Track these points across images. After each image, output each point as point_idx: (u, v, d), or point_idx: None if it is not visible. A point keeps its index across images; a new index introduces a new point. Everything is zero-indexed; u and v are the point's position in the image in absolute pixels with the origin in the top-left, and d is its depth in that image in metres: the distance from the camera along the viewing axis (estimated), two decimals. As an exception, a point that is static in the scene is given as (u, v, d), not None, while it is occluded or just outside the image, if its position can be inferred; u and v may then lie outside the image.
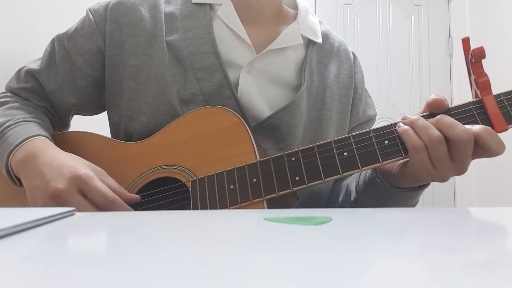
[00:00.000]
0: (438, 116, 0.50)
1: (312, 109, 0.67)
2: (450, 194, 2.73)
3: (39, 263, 0.21)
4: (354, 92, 0.72)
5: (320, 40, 0.72)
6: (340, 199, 0.68)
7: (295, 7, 0.76)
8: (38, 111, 0.67)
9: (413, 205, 0.63)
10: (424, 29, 2.81)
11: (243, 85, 0.64)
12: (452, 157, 0.49)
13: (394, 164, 0.55)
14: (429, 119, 0.51)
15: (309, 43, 0.71)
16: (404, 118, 0.53)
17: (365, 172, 0.60)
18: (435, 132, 0.49)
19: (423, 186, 0.58)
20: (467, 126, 0.49)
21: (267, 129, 0.64)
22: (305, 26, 0.71)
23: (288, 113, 0.64)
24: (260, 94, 0.65)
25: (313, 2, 2.70)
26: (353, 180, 0.66)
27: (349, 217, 0.38)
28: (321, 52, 0.71)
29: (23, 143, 0.57)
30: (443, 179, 0.51)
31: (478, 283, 0.18)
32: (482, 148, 0.48)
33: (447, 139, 0.49)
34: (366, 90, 0.76)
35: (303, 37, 0.70)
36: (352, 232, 0.30)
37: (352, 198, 0.65)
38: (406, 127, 0.51)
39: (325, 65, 0.71)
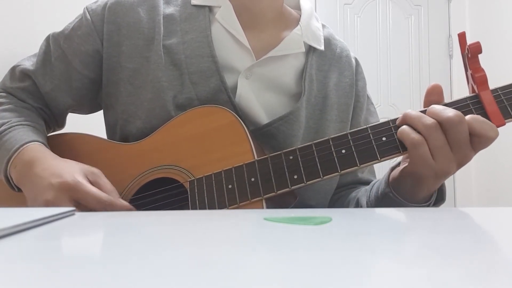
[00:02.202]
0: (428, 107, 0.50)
1: (310, 119, 0.66)
2: (450, 194, 2.73)
3: (39, 263, 0.21)
4: (355, 101, 0.70)
5: (322, 47, 0.69)
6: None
7: (298, 7, 0.74)
8: (34, 113, 0.67)
9: None
10: (424, 29, 2.81)
11: (241, 90, 0.63)
12: (449, 144, 0.49)
13: (400, 171, 0.55)
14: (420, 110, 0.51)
15: (309, 49, 0.69)
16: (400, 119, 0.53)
17: (377, 188, 0.59)
18: (429, 119, 0.49)
19: (438, 202, 0.57)
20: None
21: (263, 135, 0.63)
22: (308, 32, 0.68)
23: (286, 123, 0.63)
24: (258, 100, 0.64)
25: (313, 2, 2.70)
26: (363, 195, 0.64)
27: (349, 217, 0.38)
28: (321, 59, 0.69)
29: (19, 150, 0.57)
30: (445, 172, 0.50)
31: (478, 284, 0.18)
32: (474, 136, 0.48)
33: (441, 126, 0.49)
34: (368, 97, 0.74)
35: (305, 43, 0.68)
36: (352, 232, 0.30)
37: None
38: (403, 125, 0.51)
39: (326, 72, 0.69)
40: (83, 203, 0.51)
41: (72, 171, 0.53)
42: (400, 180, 0.54)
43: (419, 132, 0.49)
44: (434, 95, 0.52)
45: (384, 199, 0.57)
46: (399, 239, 0.29)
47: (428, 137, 0.49)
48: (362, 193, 0.65)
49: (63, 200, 0.50)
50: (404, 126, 0.51)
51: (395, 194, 0.55)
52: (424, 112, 0.51)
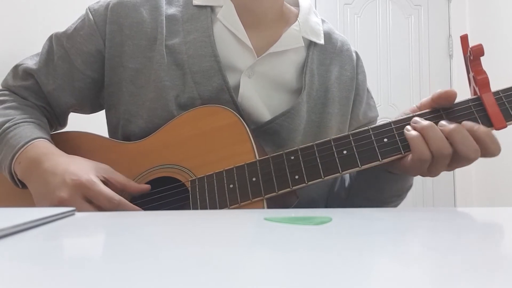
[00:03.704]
0: (452, 126, 0.49)
1: (312, 113, 0.66)
2: (450, 194, 2.73)
3: (39, 263, 0.21)
4: (355, 94, 0.71)
5: (322, 41, 0.70)
6: (336, 188, 0.68)
7: (297, 3, 0.74)
8: (37, 111, 0.67)
9: (408, 188, 0.63)
10: (424, 29, 2.81)
11: (244, 89, 0.63)
12: (450, 165, 0.50)
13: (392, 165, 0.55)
14: (442, 127, 0.50)
15: (310, 44, 0.69)
16: (414, 122, 0.51)
17: None
18: (448, 148, 0.49)
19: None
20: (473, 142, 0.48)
21: (266, 133, 0.64)
22: (307, 27, 0.69)
23: (287, 119, 0.64)
24: (261, 98, 0.64)
25: (313, 2, 2.70)
26: None
27: (349, 217, 0.38)
28: (322, 53, 0.70)
29: (25, 147, 0.57)
30: (434, 175, 0.52)
31: (478, 284, 0.18)
32: (483, 150, 0.49)
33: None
34: (368, 91, 0.74)
35: (304, 38, 0.68)
36: (352, 232, 0.30)
37: (346, 184, 0.65)
38: (415, 133, 0.50)
39: (327, 66, 0.69)
40: (95, 202, 0.51)
41: (86, 169, 0.54)
42: (387, 166, 0.55)
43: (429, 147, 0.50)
44: (447, 102, 0.52)
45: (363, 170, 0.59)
46: (399, 239, 0.29)
47: (436, 160, 0.50)
48: None
49: (77, 198, 0.51)
50: (418, 135, 0.50)
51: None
52: (435, 112, 0.52)
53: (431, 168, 0.50)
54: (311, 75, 0.67)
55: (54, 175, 0.53)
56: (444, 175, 0.58)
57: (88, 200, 0.51)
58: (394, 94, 2.77)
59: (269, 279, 0.18)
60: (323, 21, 0.74)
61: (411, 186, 0.63)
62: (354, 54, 0.74)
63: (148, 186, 0.57)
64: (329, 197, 0.69)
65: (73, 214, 0.39)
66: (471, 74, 0.54)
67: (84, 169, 0.53)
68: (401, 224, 0.36)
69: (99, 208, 0.51)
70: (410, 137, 0.50)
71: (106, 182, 0.55)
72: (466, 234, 0.31)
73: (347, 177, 0.65)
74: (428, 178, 2.67)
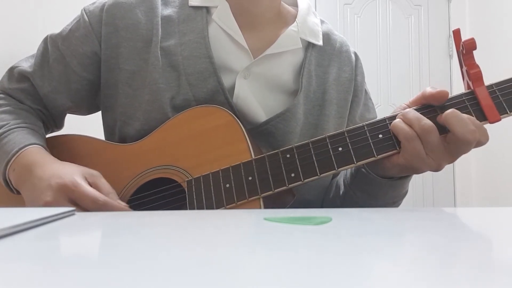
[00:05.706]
0: (447, 112, 0.50)
1: (309, 115, 0.66)
2: (450, 194, 2.73)
3: (39, 263, 0.21)
4: (353, 96, 0.70)
5: (320, 43, 0.69)
6: (331, 195, 0.68)
7: (295, 3, 0.73)
8: (32, 115, 0.66)
9: (403, 195, 0.62)
10: (424, 29, 2.81)
11: (239, 90, 0.63)
12: (449, 150, 0.50)
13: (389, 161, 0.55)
14: (433, 114, 0.51)
15: (308, 45, 0.68)
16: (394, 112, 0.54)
17: None
18: (427, 122, 0.50)
19: (409, 176, 0.58)
20: (471, 127, 0.49)
21: (261, 134, 0.63)
22: (305, 28, 0.68)
23: (283, 121, 0.63)
24: (257, 100, 0.64)
25: (313, 2, 2.70)
26: (341, 175, 0.66)
27: (349, 217, 0.38)
28: (321, 54, 0.69)
29: (18, 153, 0.57)
30: (437, 168, 0.51)
31: (477, 285, 0.18)
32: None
33: (447, 131, 0.49)
34: (366, 92, 0.74)
35: (303, 39, 0.67)
36: (352, 232, 0.30)
37: (341, 192, 0.65)
38: (397, 119, 0.52)
39: (325, 67, 0.68)
40: (79, 203, 0.51)
41: (71, 172, 0.53)
42: (384, 166, 0.55)
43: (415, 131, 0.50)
44: (438, 102, 0.52)
45: (358, 175, 0.60)
46: (399, 239, 0.29)
47: (422, 137, 0.50)
48: (341, 173, 0.67)
49: (61, 201, 0.51)
50: (398, 120, 0.52)
51: (368, 170, 0.58)
52: (427, 108, 0.52)
53: (427, 149, 0.50)
54: (309, 77, 0.66)
55: (41, 180, 0.53)
56: (444, 175, 0.57)
57: (74, 202, 0.51)
58: (394, 94, 2.77)
59: (269, 279, 0.18)
60: (322, 21, 0.73)
61: (406, 192, 0.63)
62: (353, 55, 0.73)
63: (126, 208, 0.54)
64: (324, 203, 0.69)
65: (73, 214, 0.39)
66: (464, 69, 0.54)
67: (70, 172, 0.53)
68: (400, 224, 0.36)
69: (85, 210, 0.51)
70: (393, 124, 0.52)
71: (92, 186, 0.53)
72: (466, 235, 0.31)
73: (341, 184, 0.65)
74: (428, 178, 2.68)
